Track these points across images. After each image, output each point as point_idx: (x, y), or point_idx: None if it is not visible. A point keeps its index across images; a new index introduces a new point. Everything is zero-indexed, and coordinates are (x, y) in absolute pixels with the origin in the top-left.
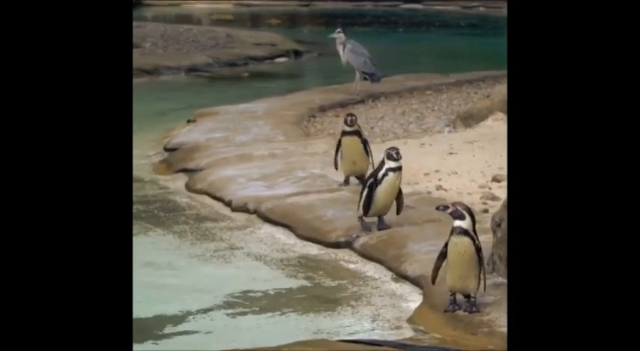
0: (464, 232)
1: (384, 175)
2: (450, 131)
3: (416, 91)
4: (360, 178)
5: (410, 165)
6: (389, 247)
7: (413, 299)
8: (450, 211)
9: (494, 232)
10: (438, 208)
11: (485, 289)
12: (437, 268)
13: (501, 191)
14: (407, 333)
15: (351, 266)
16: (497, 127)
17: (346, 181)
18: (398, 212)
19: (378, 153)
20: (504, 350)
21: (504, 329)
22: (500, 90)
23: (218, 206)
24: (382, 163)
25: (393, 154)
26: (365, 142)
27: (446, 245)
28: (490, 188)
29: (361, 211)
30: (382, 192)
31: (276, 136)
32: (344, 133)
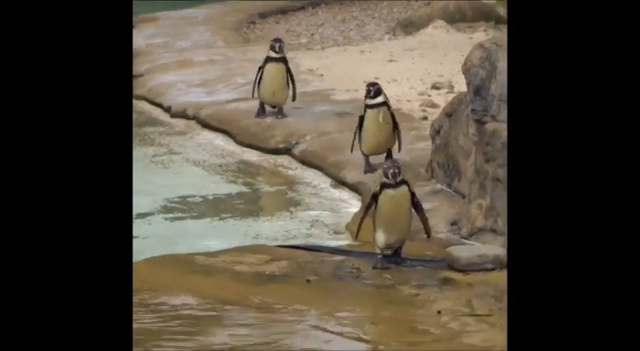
0: (402, 181)
1: (365, 112)
2: (389, 39)
3: None
4: (278, 108)
5: (349, 72)
6: (328, 154)
7: (351, 205)
8: (399, 178)
9: (433, 140)
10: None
11: (429, 236)
12: (362, 220)
13: (440, 99)
14: (345, 239)
15: (290, 172)
16: (437, 34)
17: (261, 110)
18: (399, 149)
19: (315, 60)
20: (441, 256)
21: (442, 235)
22: None
23: (157, 112)
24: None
25: (368, 90)
26: (289, 72)
27: (374, 196)
28: (429, 95)
29: (362, 151)
30: (366, 130)
31: (216, 42)
32: (268, 60)
